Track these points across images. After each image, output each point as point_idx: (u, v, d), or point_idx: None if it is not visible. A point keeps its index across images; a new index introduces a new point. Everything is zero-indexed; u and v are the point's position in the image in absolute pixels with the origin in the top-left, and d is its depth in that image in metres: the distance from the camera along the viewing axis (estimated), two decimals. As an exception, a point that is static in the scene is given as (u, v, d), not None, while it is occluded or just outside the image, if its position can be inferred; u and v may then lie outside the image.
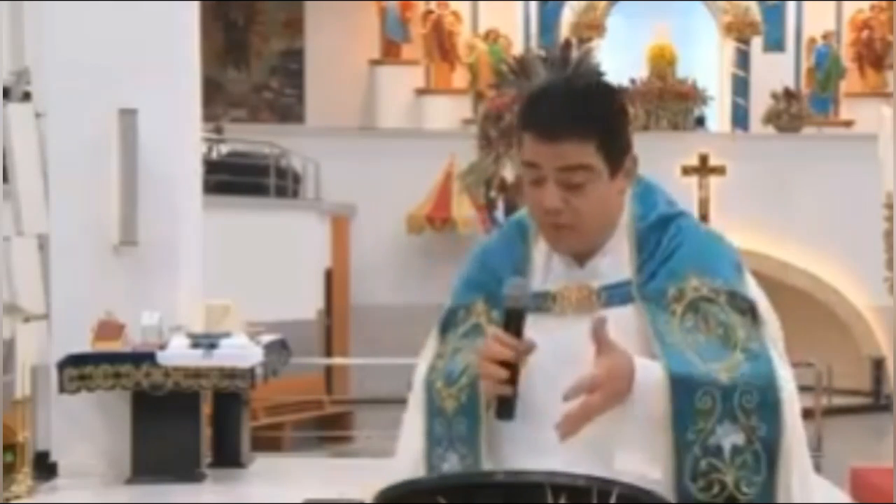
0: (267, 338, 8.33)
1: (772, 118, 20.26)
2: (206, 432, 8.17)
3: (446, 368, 2.24)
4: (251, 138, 16.68)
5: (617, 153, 2.15)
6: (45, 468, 7.75)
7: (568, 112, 2.11)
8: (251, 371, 7.80)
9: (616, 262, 2.21)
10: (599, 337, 2.05)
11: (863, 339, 19.02)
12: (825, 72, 20.97)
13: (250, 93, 21.33)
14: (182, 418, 7.77)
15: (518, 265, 2.24)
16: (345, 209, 17.91)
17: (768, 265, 18.44)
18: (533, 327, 2.10)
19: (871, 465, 8.75)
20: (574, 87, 2.18)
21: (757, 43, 21.03)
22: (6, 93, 7.75)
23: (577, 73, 2.78)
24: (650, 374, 2.07)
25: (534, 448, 2.13)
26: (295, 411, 14.67)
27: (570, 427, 2.03)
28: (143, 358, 7.67)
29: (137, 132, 7.91)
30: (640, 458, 2.07)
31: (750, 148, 19.55)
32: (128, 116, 7.91)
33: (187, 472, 7.75)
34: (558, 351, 2.11)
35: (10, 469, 7.17)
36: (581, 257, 2.22)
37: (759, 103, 20.48)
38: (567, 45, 17.33)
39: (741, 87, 21.02)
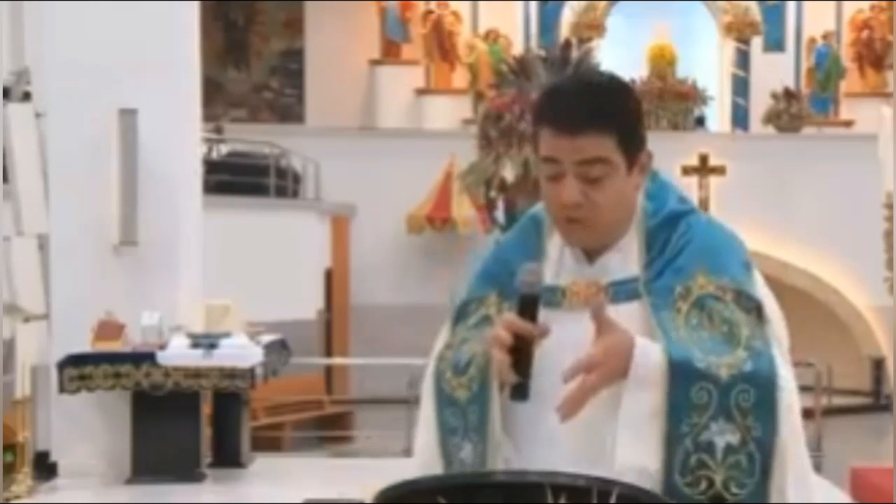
0: (267, 338, 8.33)
1: (772, 118, 20.26)
2: (206, 432, 8.17)
3: (454, 358, 2.25)
4: (251, 138, 16.68)
5: (634, 147, 2.18)
6: (45, 468, 7.75)
7: (587, 106, 2.14)
8: (251, 371, 7.81)
9: (625, 258, 2.22)
10: (599, 318, 2.07)
11: (863, 339, 19.02)
12: (825, 72, 20.98)
13: (250, 93, 21.33)
14: (182, 418, 7.77)
15: (532, 259, 2.24)
16: (345, 209, 17.91)
17: (768, 265, 18.41)
18: (542, 321, 2.11)
19: (871, 465, 8.76)
20: (592, 82, 2.22)
21: (757, 43, 21.03)
22: (6, 93, 7.75)
23: (589, 71, 2.81)
24: (649, 355, 2.08)
25: (540, 439, 2.15)
26: (295, 411, 14.66)
27: (569, 408, 2.04)
28: (143, 358, 7.67)
29: (137, 132, 7.91)
30: (639, 450, 2.06)
31: (750, 148, 19.55)
32: (128, 116, 7.91)
33: (187, 472, 7.76)
34: (567, 345, 2.10)
35: (10, 469, 7.17)
36: (592, 254, 2.24)
37: (759, 103, 20.48)
38: (567, 45, 17.34)
39: (741, 87, 21.02)
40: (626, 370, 2.06)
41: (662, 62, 20.83)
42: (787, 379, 2.13)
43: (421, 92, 20.85)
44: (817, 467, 10.09)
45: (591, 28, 20.67)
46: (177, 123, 8.21)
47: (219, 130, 16.69)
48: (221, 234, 11.10)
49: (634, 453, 2.06)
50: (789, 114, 20.18)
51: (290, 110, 21.30)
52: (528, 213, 2.38)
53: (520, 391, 2.07)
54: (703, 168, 18.88)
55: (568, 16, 20.72)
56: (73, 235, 7.93)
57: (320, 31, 20.83)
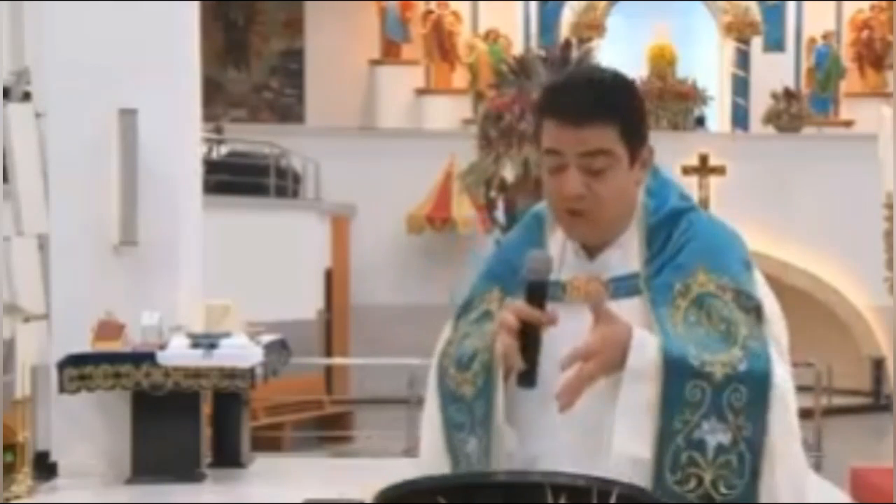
0: (267, 338, 8.33)
1: (772, 118, 20.26)
2: (206, 432, 8.17)
3: (457, 354, 2.26)
4: (251, 138, 16.68)
5: (636, 141, 2.20)
6: (45, 468, 7.75)
7: (591, 97, 2.16)
8: (251, 371, 7.80)
9: (625, 254, 2.23)
10: (598, 308, 2.08)
11: (863, 339, 19.02)
12: (825, 72, 20.98)
13: (250, 93, 21.33)
14: (182, 418, 7.77)
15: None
16: (345, 209, 17.91)
17: (768, 265, 18.39)
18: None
19: (871, 465, 8.75)
20: (595, 76, 2.23)
21: (757, 43, 21.04)
22: (6, 93, 7.75)
23: (592, 66, 2.83)
24: (646, 346, 2.08)
25: (540, 431, 2.17)
26: (295, 411, 14.66)
27: (567, 396, 2.05)
28: (143, 358, 7.67)
29: (137, 132, 7.91)
30: (636, 439, 2.07)
31: (750, 148, 19.55)
32: (128, 116, 7.90)
33: (187, 472, 7.75)
34: (568, 340, 2.11)
35: (10, 469, 7.17)
36: (592, 249, 2.25)
37: (759, 103, 20.48)
38: (567, 45, 17.33)
39: (741, 87, 21.03)
40: (623, 360, 2.08)
41: (662, 62, 20.83)
42: (783, 378, 2.13)
43: (421, 92, 20.85)
44: (817, 467, 10.12)
45: (591, 28, 20.67)
46: (177, 123, 8.21)
47: (219, 130, 16.69)
48: (221, 234, 11.10)
49: (631, 443, 2.07)
50: (789, 114, 20.18)
51: (290, 110, 21.30)
52: (531, 211, 2.39)
53: (527, 378, 2.09)
54: (703, 168, 18.88)
55: (568, 16, 20.73)
56: (73, 235, 7.92)
57: (320, 31, 20.83)
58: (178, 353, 7.71)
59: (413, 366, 10.81)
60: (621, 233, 2.24)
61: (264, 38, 21.32)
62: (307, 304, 16.06)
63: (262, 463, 8.64)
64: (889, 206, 8.53)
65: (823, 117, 21.01)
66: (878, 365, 18.64)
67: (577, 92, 2.17)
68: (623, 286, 2.21)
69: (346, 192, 17.84)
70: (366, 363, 15.24)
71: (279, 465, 8.98)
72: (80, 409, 7.80)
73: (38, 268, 7.79)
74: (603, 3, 20.95)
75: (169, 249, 8.07)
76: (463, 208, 17.94)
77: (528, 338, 2.08)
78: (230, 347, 7.78)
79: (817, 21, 20.92)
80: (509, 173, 15.68)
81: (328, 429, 14.73)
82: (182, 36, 8.36)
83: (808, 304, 18.51)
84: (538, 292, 2.11)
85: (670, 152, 18.35)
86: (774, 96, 20.26)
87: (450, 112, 20.45)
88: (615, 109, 2.16)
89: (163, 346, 7.75)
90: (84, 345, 7.66)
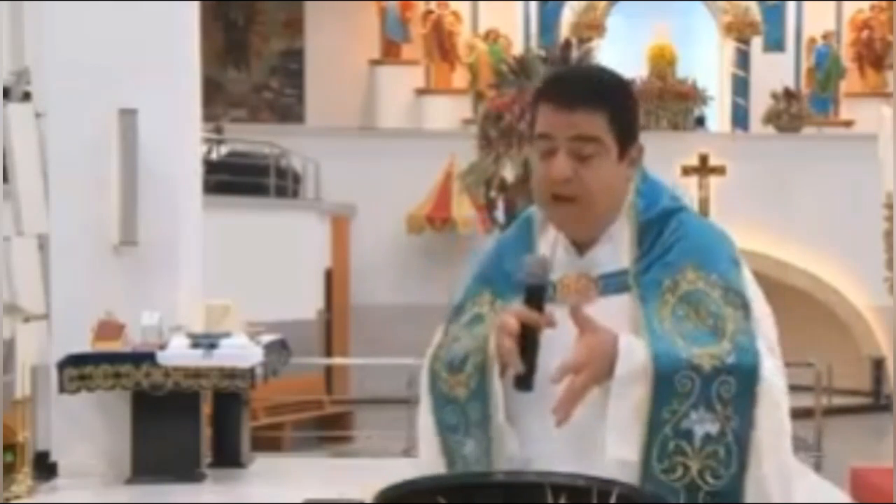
0: (267, 338, 8.33)
1: (772, 118, 20.26)
2: (206, 432, 8.17)
3: (448, 357, 2.27)
4: (251, 138, 16.67)
5: (626, 135, 2.23)
6: (45, 468, 7.75)
7: (586, 85, 2.24)
8: (251, 371, 7.80)
9: (615, 251, 2.25)
10: (580, 319, 2.10)
11: (863, 339, 19.02)
12: (825, 72, 20.98)
13: (250, 93, 21.33)
14: (182, 418, 7.77)
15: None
16: (345, 209, 17.91)
17: (768, 265, 18.42)
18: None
19: (871, 465, 8.75)
20: (594, 70, 2.36)
21: (757, 43, 21.03)
22: (6, 93, 7.75)
23: (590, 64, 2.87)
24: (634, 352, 2.10)
25: (532, 435, 2.18)
26: (295, 411, 14.66)
27: (563, 411, 2.06)
28: (143, 358, 7.67)
29: (137, 132, 7.91)
30: (625, 441, 2.09)
31: (750, 148, 19.55)
32: (128, 116, 7.91)
33: (187, 472, 7.75)
34: (559, 338, 2.12)
35: (10, 469, 7.17)
36: (582, 247, 2.27)
37: (759, 103, 20.48)
38: (567, 45, 17.35)
39: (741, 87, 21.02)
40: (611, 368, 2.09)
41: (662, 62, 20.83)
42: (771, 372, 2.15)
43: (421, 92, 20.85)
44: (817, 467, 10.11)
45: (591, 28, 20.67)
46: (177, 123, 8.21)
47: (219, 130, 16.69)
48: (221, 234, 11.10)
49: (622, 449, 2.09)
50: (789, 114, 20.18)
51: (290, 110, 21.30)
52: (522, 213, 2.41)
53: (525, 381, 2.10)
54: (703, 168, 18.88)
55: (568, 16, 20.72)
56: (73, 235, 7.93)
57: (320, 31, 20.83)
58: (178, 353, 7.71)
59: (413, 366, 10.79)
60: (607, 227, 2.26)
61: (264, 38, 21.32)
62: (307, 304, 16.06)
63: (262, 463, 8.64)
64: (889, 206, 8.53)
65: (823, 117, 21.01)
66: (878, 365, 18.64)
67: (574, 79, 2.27)
68: (612, 283, 2.23)
69: (346, 192, 17.84)
70: (366, 363, 15.23)
71: (279, 465, 8.98)
72: (80, 409, 7.80)
73: (38, 268, 7.79)
74: (603, 3, 20.95)
75: (169, 249, 8.08)
76: (463, 208, 17.94)
77: (527, 341, 2.09)
78: (230, 347, 7.78)
79: (817, 21, 20.92)
80: (509, 173, 15.70)
81: (328, 429, 14.72)
82: (182, 36, 8.36)
83: (808, 304, 18.51)
84: (536, 295, 2.12)
85: (670, 152, 18.40)
86: (774, 96, 20.26)
87: (450, 112, 20.45)
88: (607, 99, 2.22)
89: (163, 346, 7.75)
90: (84, 345, 7.66)
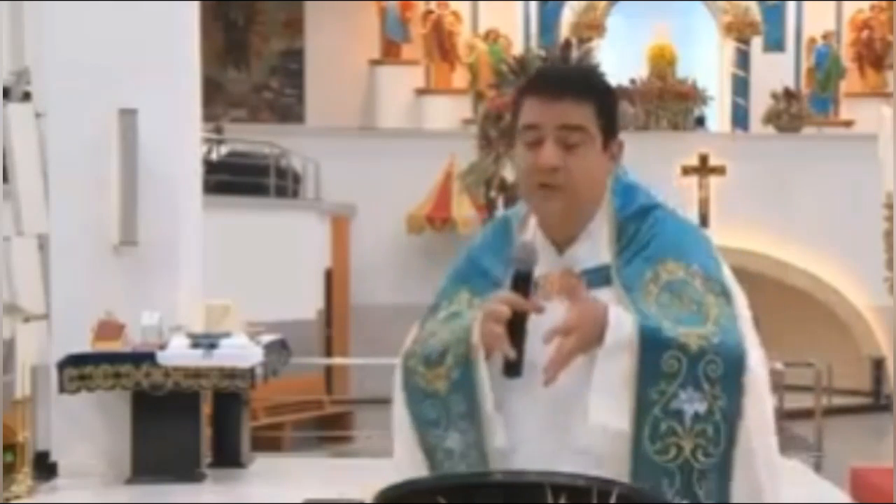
0: (267, 338, 8.33)
1: (772, 118, 20.25)
2: (206, 432, 8.17)
3: (424, 352, 2.29)
4: (251, 138, 16.67)
5: (609, 127, 2.29)
6: (45, 468, 7.75)
7: (571, 77, 2.31)
8: (251, 371, 7.80)
9: (594, 248, 2.29)
10: (571, 288, 2.15)
11: (863, 339, 19.01)
12: (825, 72, 20.97)
13: (250, 93, 21.33)
14: (182, 418, 7.77)
15: (502, 258, 2.31)
16: (345, 209, 17.91)
17: (768, 265, 18.44)
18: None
19: (871, 465, 8.75)
20: (578, 65, 2.32)
21: (757, 43, 21.03)
22: (6, 93, 7.75)
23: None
24: (622, 321, 2.14)
25: (513, 417, 2.21)
26: (295, 411, 14.66)
27: (552, 372, 2.09)
28: (143, 358, 7.66)
29: (137, 132, 7.91)
30: (609, 406, 2.11)
31: (750, 148, 19.55)
32: (128, 116, 7.90)
33: (187, 472, 7.75)
34: (541, 329, 2.13)
35: (10, 469, 7.17)
36: (561, 244, 2.30)
37: (759, 103, 20.48)
38: (567, 45, 17.36)
39: (741, 87, 21.02)
40: (600, 336, 2.13)
41: (662, 62, 20.83)
42: (756, 363, 2.18)
43: (421, 92, 20.85)
44: (817, 467, 10.11)
45: (591, 28, 20.66)
46: (177, 123, 8.21)
47: (219, 130, 16.69)
48: (221, 234, 11.10)
49: (607, 413, 2.11)
50: (789, 114, 20.17)
51: (290, 110, 21.30)
52: (499, 215, 2.48)
53: (514, 367, 2.11)
54: (703, 168, 18.88)
55: (568, 16, 20.72)
56: (73, 235, 7.92)
57: (320, 31, 20.83)
58: (178, 353, 7.70)
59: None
60: (588, 224, 2.30)
61: (264, 38, 21.31)
62: (307, 304, 16.06)
63: (262, 463, 8.64)
64: (889, 206, 8.53)
65: (823, 117, 21.00)
66: (878, 365, 18.64)
67: (561, 72, 2.39)
68: (594, 277, 2.26)
69: (346, 192, 17.84)
70: (366, 363, 15.19)
71: (279, 465, 8.98)
72: (80, 409, 7.79)
73: (38, 268, 7.79)
74: (603, 3, 20.95)
75: (169, 249, 8.07)
76: (463, 208, 17.94)
77: (515, 327, 2.11)
78: (230, 347, 7.78)
79: (817, 21, 20.92)
80: (509, 173, 15.68)
81: (328, 429, 14.72)
82: (182, 36, 8.36)
83: (808, 304, 18.52)
84: (524, 281, 2.14)
85: (670, 152, 18.44)
86: (774, 96, 20.25)
87: (450, 112, 20.45)
88: (593, 89, 2.28)
89: (163, 346, 7.75)
90: (84, 345, 7.66)
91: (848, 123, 20.71)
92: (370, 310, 17.86)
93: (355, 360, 16.52)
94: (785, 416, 12.80)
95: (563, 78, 2.31)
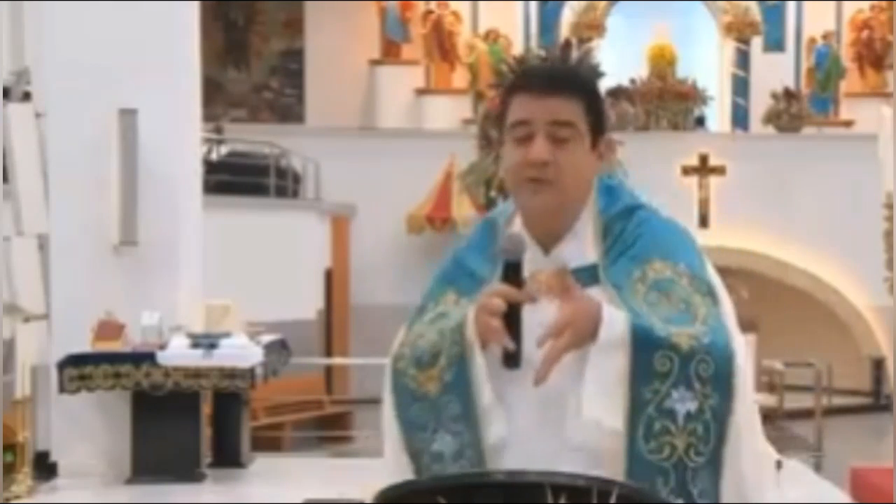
0: (267, 338, 8.33)
1: (772, 118, 20.24)
2: (206, 432, 8.17)
3: (414, 354, 2.30)
4: (251, 138, 16.67)
5: (598, 125, 2.30)
6: (45, 468, 7.75)
7: (562, 73, 2.33)
8: (251, 371, 7.80)
9: (580, 247, 2.30)
10: (564, 286, 2.15)
11: (863, 339, 19.00)
12: (825, 72, 20.96)
13: (250, 93, 21.32)
14: (182, 418, 7.77)
15: (489, 257, 2.33)
16: (345, 209, 17.91)
17: (768, 265, 18.43)
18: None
19: (871, 465, 8.75)
20: (566, 63, 2.41)
21: (757, 43, 21.01)
22: (6, 93, 7.75)
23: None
24: (615, 319, 2.15)
25: (508, 411, 2.21)
26: (295, 411, 14.66)
27: (544, 370, 2.10)
28: (143, 358, 7.67)
29: (137, 132, 7.91)
30: (603, 403, 2.12)
31: (750, 148, 19.54)
32: (128, 116, 7.91)
33: (187, 472, 7.76)
34: (531, 334, 2.14)
35: (10, 469, 7.17)
36: (547, 244, 2.31)
37: (759, 103, 20.46)
38: (567, 45, 17.19)
39: (741, 87, 21.01)
40: (594, 332, 2.13)
41: (662, 62, 20.82)
42: (741, 357, 2.20)
43: (421, 92, 20.84)
44: (817, 467, 10.11)
45: (591, 28, 20.65)
46: (177, 123, 8.21)
47: (219, 130, 16.68)
48: (221, 234, 11.10)
49: (599, 409, 2.12)
50: (789, 114, 20.16)
51: (290, 110, 21.29)
52: (484, 217, 2.48)
53: (513, 358, 2.12)
54: (703, 168, 18.87)
55: (568, 16, 20.71)
56: (73, 235, 7.93)
57: (320, 31, 20.82)
58: (178, 353, 7.71)
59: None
60: (574, 225, 2.30)
61: (264, 38, 21.31)
62: (307, 304, 16.05)
63: (262, 463, 8.64)
64: (889, 206, 8.53)
65: (823, 117, 20.99)
66: (878, 365, 18.63)
67: (551, 69, 2.37)
68: (582, 276, 2.26)
69: (346, 192, 17.83)
70: (366, 363, 15.18)
71: (279, 465, 8.98)
72: (80, 409, 7.80)
73: (38, 268, 7.79)
74: (603, 3, 20.94)
75: (169, 249, 8.08)
76: (463, 208, 17.92)
77: (510, 318, 2.12)
78: (230, 347, 7.78)
79: (817, 21, 20.91)
80: (509, 173, 15.66)
81: (328, 429, 14.72)
82: (182, 36, 8.36)
83: (808, 304, 18.50)
84: (514, 272, 2.15)
85: (670, 152, 18.43)
86: (774, 96, 20.24)
87: (450, 112, 20.44)
88: (583, 86, 2.31)
89: (163, 346, 7.75)
90: (84, 345, 7.66)
91: (848, 123, 20.70)
92: (370, 310, 17.84)
93: (355, 360, 16.50)
94: (785, 416, 12.81)
95: (553, 75, 2.33)
